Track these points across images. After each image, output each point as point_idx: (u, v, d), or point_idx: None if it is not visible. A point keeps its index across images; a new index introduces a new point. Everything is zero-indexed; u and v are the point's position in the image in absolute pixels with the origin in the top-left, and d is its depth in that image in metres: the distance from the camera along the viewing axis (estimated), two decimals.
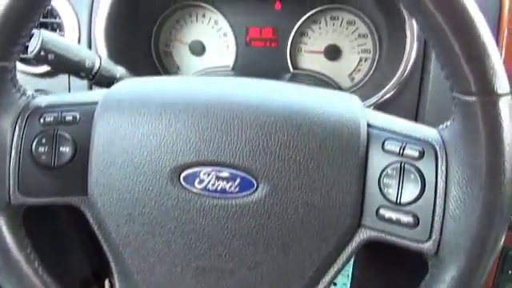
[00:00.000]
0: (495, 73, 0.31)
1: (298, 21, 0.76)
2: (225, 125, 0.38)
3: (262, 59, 0.78)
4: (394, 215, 0.37)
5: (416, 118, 0.65)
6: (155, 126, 0.39)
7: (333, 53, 0.77)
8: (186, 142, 0.38)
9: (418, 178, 0.36)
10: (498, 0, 0.55)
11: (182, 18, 0.80)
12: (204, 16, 0.79)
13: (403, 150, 0.37)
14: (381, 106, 0.66)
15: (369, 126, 0.39)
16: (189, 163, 0.38)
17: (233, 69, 0.79)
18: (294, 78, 0.76)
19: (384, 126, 0.39)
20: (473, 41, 0.31)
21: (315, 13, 0.76)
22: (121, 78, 0.56)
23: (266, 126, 0.38)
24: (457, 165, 0.35)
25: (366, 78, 0.77)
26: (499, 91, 0.31)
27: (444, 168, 0.35)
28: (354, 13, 0.75)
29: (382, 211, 0.37)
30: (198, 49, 0.79)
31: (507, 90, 0.32)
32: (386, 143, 0.38)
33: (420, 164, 0.36)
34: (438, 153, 0.36)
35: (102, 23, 0.64)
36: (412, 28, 0.63)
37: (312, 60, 0.78)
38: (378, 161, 0.38)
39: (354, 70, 0.78)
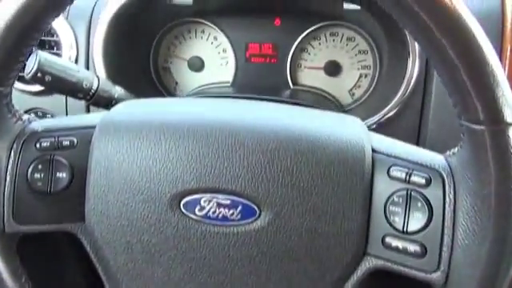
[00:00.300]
0: (504, 101, 0.30)
1: (297, 37, 0.75)
2: (226, 151, 0.37)
3: (262, 75, 0.77)
4: (400, 244, 0.36)
5: (418, 136, 0.65)
6: (155, 152, 0.38)
7: (333, 69, 0.77)
8: (187, 167, 0.37)
9: (425, 206, 0.35)
10: (499, 18, 0.54)
11: (181, 34, 0.79)
12: (203, 32, 0.78)
13: (409, 176, 0.36)
14: (383, 125, 0.65)
15: (373, 150, 0.38)
16: (189, 190, 0.37)
17: (232, 85, 0.78)
18: (293, 94, 0.75)
19: (389, 152, 0.38)
20: (481, 69, 0.30)
21: (315, 29, 0.75)
22: (119, 99, 0.55)
23: (269, 152, 0.37)
24: (465, 193, 0.34)
25: (367, 95, 0.76)
26: (508, 120, 0.31)
27: (452, 196, 0.34)
28: (353, 29, 0.75)
29: (388, 239, 0.36)
30: (197, 65, 0.79)
31: None
32: (391, 169, 0.37)
33: (427, 192, 0.35)
34: (446, 180, 0.35)
35: (100, 41, 0.64)
36: (413, 46, 0.63)
37: (312, 76, 0.78)
38: (383, 187, 0.37)
39: (355, 86, 0.77)
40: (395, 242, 0.36)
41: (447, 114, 0.59)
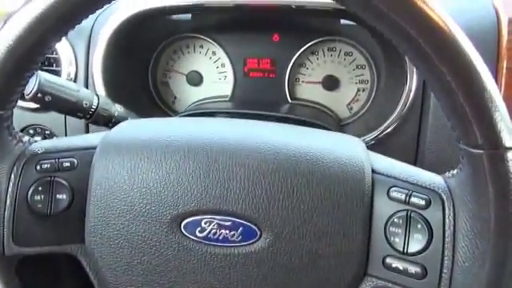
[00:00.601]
0: (502, 126, 0.31)
1: (295, 52, 0.76)
2: (226, 172, 0.38)
3: (260, 90, 0.78)
4: (401, 265, 0.36)
5: (417, 151, 0.65)
6: (155, 173, 0.38)
7: (331, 83, 0.77)
8: (187, 189, 0.37)
9: (425, 227, 0.35)
10: (495, 38, 0.55)
11: (180, 49, 0.79)
12: (202, 47, 0.79)
13: (409, 198, 0.36)
14: (382, 140, 0.65)
15: (373, 171, 0.38)
16: (190, 211, 0.37)
17: (231, 99, 0.78)
18: (292, 109, 0.76)
19: (389, 172, 0.38)
20: (479, 94, 0.31)
21: (313, 44, 0.76)
22: (118, 117, 0.55)
23: (269, 173, 0.37)
24: (465, 216, 0.34)
25: (365, 109, 0.77)
26: (507, 144, 0.31)
27: (451, 218, 0.35)
28: (351, 44, 0.76)
29: (388, 260, 0.36)
30: (196, 79, 0.79)
31: None
32: (391, 190, 0.37)
33: (426, 213, 0.36)
34: (445, 202, 0.35)
35: (100, 58, 0.64)
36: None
37: (310, 90, 0.78)
38: (383, 208, 0.37)
39: (352, 101, 0.78)
40: (396, 263, 0.36)
41: (446, 130, 0.59)
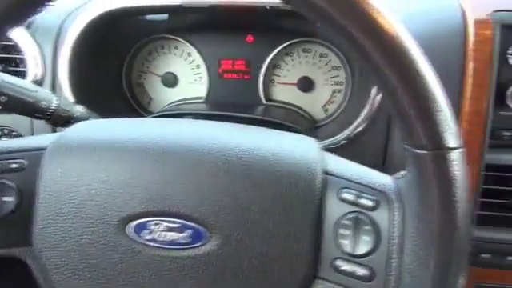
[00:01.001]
0: (446, 126, 0.30)
1: (270, 53, 0.75)
2: (175, 174, 0.37)
3: (235, 91, 0.77)
4: (349, 267, 0.35)
5: (385, 151, 0.65)
6: (104, 174, 0.38)
7: (306, 85, 0.77)
8: (135, 191, 0.37)
9: (373, 229, 0.35)
10: (462, 38, 0.55)
11: (155, 50, 0.79)
12: (177, 48, 0.78)
13: (358, 199, 0.36)
14: (353, 139, 0.65)
15: (326, 173, 0.38)
16: (137, 213, 0.37)
17: (205, 101, 0.78)
18: (266, 110, 0.75)
19: (341, 174, 0.38)
20: (422, 95, 0.30)
21: (288, 45, 0.75)
22: (79, 118, 0.54)
23: (220, 176, 0.37)
24: (411, 217, 0.33)
25: (340, 110, 0.76)
26: (450, 145, 0.31)
27: (399, 220, 0.34)
28: (326, 45, 0.75)
29: (337, 263, 0.36)
30: (171, 80, 0.79)
31: (458, 143, 0.31)
32: (341, 192, 0.37)
33: (375, 215, 0.35)
34: (393, 204, 0.35)
35: (66, 59, 0.63)
36: None
37: (285, 92, 0.78)
38: (333, 210, 0.36)
39: (328, 102, 0.77)
40: (344, 266, 0.35)
41: None
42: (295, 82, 0.77)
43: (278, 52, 0.76)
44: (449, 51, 0.55)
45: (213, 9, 0.68)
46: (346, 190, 0.36)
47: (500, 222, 0.57)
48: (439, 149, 0.31)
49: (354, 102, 0.74)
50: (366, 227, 0.35)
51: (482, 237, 0.56)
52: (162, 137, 0.40)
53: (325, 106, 0.77)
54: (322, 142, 0.66)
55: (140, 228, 0.37)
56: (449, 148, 0.31)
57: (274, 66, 0.77)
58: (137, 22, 0.75)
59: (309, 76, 0.76)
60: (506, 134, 0.57)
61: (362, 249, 0.35)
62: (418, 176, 0.32)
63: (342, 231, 0.36)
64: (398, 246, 0.34)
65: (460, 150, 0.31)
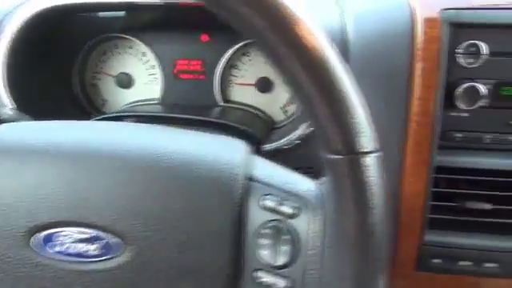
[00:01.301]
0: (360, 131, 0.29)
1: (226, 53, 0.73)
2: (88, 180, 0.35)
3: (191, 92, 0.75)
4: (269, 279, 0.33)
5: None
6: (12, 181, 0.35)
7: (265, 85, 0.75)
8: (41, 200, 0.34)
9: (292, 238, 0.33)
10: (410, 38, 0.53)
11: (109, 50, 0.76)
12: (131, 48, 0.76)
13: (279, 206, 0.34)
14: (305, 140, 0.63)
15: (249, 178, 0.36)
16: (45, 224, 0.34)
17: (161, 102, 0.76)
18: (223, 112, 0.73)
19: (264, 179, 0.36)
20: (335, 99, 0.28)
21: (244, 45, 0.73)
22: (5, 121, 0.52)
23: (135, 183, 0.35)
24: (330, 225, 0.32)
25: (300, 111, 0.74)
26: (364, 150, 0.29)
27: (319, 228, 0.32)
28: None
29: (258, 274, 0.34)
30: (126, 81, 0.76)
31: (373, 147, 0.29)
32: (263, 199, 0.35)
33: (295, 222, 0.33)
34: (315, 211, 0.33)
35: (1, 59, 0.60)
36: None
37: (243, 93, 0.76)
38: (254, 218, 0.34)
39: (287, 103, 0.75)
40: (265, 277, 0.33)
41: None
42: (253, 82, 0.75)
43: (235, 52, 0.74)
44: (397, 51, 0.54)
45: (167, 7, 0.66)
46: (268, 196, 0.35)
47: (451, 225, 0.55)
48: (353, 153, 0.29)
49: None
50: (285, 236, 0.33)
51: (432, 241, 0.55)
52: (77, 141, 0.37)
53: (284, 107, 0.76)
54: (275, 143, 0.64)
55: (47, 239, 0.34)
56: (363, 152, 0.29)
57: (230, 66, 0.75)
58: (86, 20, 0.72)
59: (267, 76, 0.74)
60: (458, 135, 0.56)
61: (282, 259, 0.33)
62: (333, 182, 0.30)
63: (261, 241, 0.34)
64: (318, 256, 0.32)
65: (376, 154, 0.29)
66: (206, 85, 0.74)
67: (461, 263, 0.55)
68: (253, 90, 0.75)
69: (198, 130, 0.62)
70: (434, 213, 0.55)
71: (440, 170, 0.55)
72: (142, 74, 0.76)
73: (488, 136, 0.55)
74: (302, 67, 0.28)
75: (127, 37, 0.74)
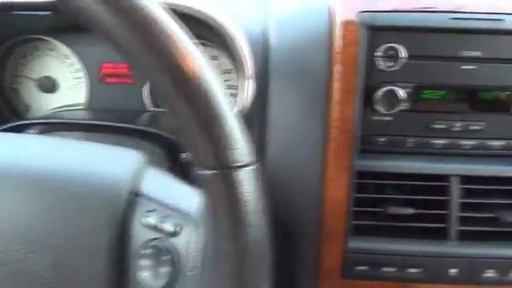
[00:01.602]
0: (231, 144, 0.26)
1: None
2: None
3: (119, 97, 0.71)
4: None
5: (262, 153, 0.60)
6: None
7: None
8: None
9: (173, 258, 0.30)
10: (328, 40, 0.52)
11: (29, 52, 0.72)
12: (53, 50, 0.71)
13: (161, 223, 0.31)
14: None
15: (135, 193, 0.33)
16: None
17: (87, 107, 0.72)
18: (152, 117, 0.70)
19: (150, 194, 0.33)
20: (204, 112, 0.26)
21: None
22: None
23: (10, 196, 0.31)
24: (208, 245, 0.29)
25: None
26: (237, 163, 0.27)
27: (200, 247, 0.30)
28: (216, 48, 0.71)
29: None
30: (48, 85, 0.72)
31: (248, 160, 0.27)
32: (146, 216, 0.32)
33: (176, 241, 0.31)
34: (197, 228, 0.31)
35: None
36: (248, 66, 0.59)
37: None
38: (136, 237, 0.32)
39: None
40: None
41: (288, 135, 0.55)
42: None
43: None
44: (316, 56, 0.52)
45: None
46: (151, 213, 0.32)
47: (376, 231, 0.54)
48: (225, 168, 0.27)
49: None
50: (165, 257, 0.30)
51: (356, 248, 0.54)
52: None
53: None
54: None
55: None
56: (236, 166, 0.27)
57: None
58: (3, 20, 0.67)
59: None
60: (381, 139, 0.55)
61: (161, 282, 0.30)
62: (207, 199, 0.28)
63: (142, 262, 0.31)
64: (197, 277, 0.30)
65: (250, 167, 0.27)
66: (135, 89, 0.71)
67: (385, 269, 0.54)
68: None
69: (120, 137, 0.59)
70: (357, 219, 0.54)
71: (363, 174, 0.54)
72: (66, 77, 0.72)
73: (410, 140, 0.55)
74: (167, 77, 0.26)
75: (47, 38, 0.70)
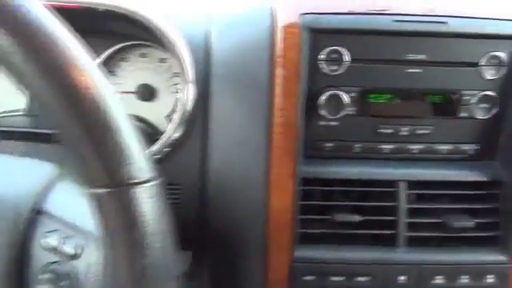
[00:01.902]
0: (126, 159, 0.24)
1: (99, 57, 0.67)
2: None
3: None
4: None
5: (202, 170, 0.58)
6: None
7: (146, 93, 0.69)
8: None
9: (72, 284, 0.28)
10: (269, 45, 0.50)
11: None
12: None
13: (62, 245, 0.29)
14: (173, 146, 0.58)
15: (37, 211, 0.30)
16: None
17: (27, 113, 0.68)
18: None
19: (53, 212, 0.30)
20: (91, 125, 0.24)
21: (123, 50, 0.68)
22: None
23: None
24: (107, 267, 0.27)
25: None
26: (134, 180, 0.24)
27: (100, 271, 0.27)
28: (165, 50, 0.68)
29: None
30: None
31: (147, 176, 0.25)
32: (45, 236, 0.29)
33: (77, 264, 0.28)
34: (98, 250, 0.28)
35: None
36: (188, 71, 0.56)
37: (123, 102, 0.69)
38: (36, 260, 0.29)
39: (172, 111, 0.70)
40: None
41: (230, 142, 0.53)
42: (134, 90, 0.69)
43: (112, 57, 0.68)
44: (258, 60, 0.51)
45: None
46: (51, 233, 0.29)
47: (323, 239, 0.53)
48: (120, 185, 0.24)
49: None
50: (64, 282, 0.28)
51: (303, 257, 0.52)
52: None
53: (169, 115, 0.70)
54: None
55: None
56: (133, 183, 0.24)
57: (108, 72, 0.68)
58: None
59: (150, 83, 0.69)
60: (328, 144, 0.54)
61: None
62: (100, 220, 0.26)
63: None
64: None
65: (150, 183, 0.25)
66: None
67: (333, 278, 0.52)
68: (133, 99, 0.69)
69: (55, 145, 0.56)
70: (304, 227, 0.52)
71: (310, 181, 0.52)
72: (4, 82, 0.68)
73: (357, 145, 0.54)
74: (51, 87, 0.23)
75: None
